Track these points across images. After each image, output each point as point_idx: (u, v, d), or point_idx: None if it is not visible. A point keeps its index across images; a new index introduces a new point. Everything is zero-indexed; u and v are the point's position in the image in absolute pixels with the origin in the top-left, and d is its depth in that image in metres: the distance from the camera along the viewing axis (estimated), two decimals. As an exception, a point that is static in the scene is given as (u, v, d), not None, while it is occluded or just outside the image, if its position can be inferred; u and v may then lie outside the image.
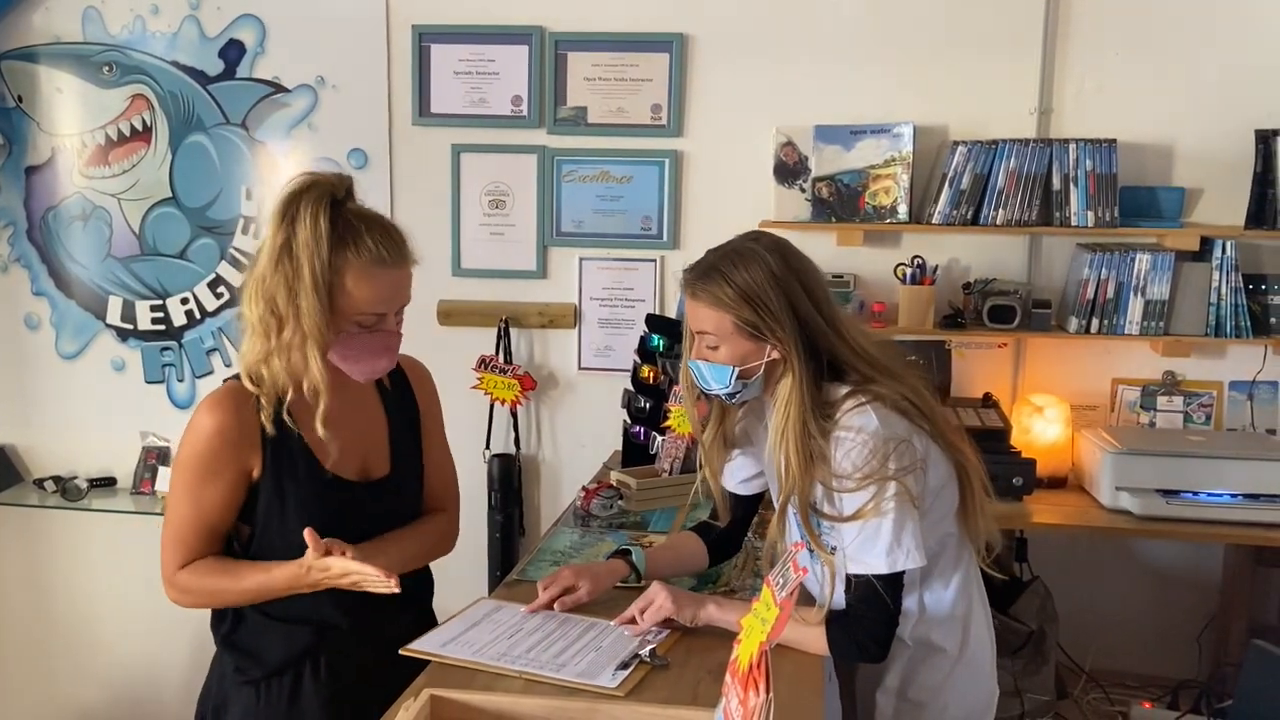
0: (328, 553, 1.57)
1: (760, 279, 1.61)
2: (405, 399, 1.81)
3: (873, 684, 1.80)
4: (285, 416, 1.60)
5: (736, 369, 1.64)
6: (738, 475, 1.90)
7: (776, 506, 1.72)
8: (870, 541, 1.60)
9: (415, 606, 1.80)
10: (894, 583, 1.62)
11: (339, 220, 1.57)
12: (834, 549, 1.64)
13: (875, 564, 1.60)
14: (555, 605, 1.76)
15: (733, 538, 1.98)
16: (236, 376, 1.65)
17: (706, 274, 1.65)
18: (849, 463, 1.59)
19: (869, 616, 1.63)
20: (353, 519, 1.67)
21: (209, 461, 1.61)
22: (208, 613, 1.74)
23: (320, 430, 1.59)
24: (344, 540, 1.61)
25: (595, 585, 1.78)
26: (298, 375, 1.58)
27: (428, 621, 1.79)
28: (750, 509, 1.97)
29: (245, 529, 1.67)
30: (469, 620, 1.74)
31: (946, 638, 1.76)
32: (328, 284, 1.55)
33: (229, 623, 1.70)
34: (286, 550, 1.62)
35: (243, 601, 1.67)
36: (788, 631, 1.59)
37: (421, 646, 1.63)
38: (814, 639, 1.65)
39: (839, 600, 1.67)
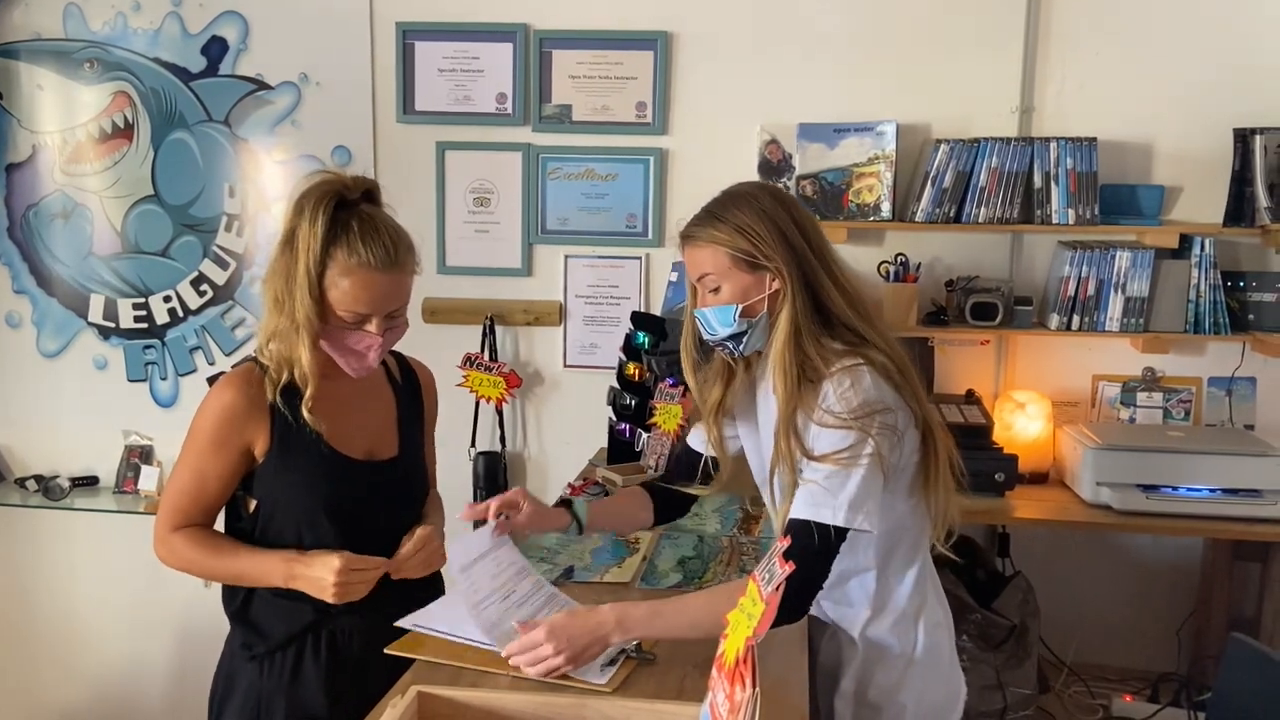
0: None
1: (751, 212, 1.63)
2: (414, 392, 1.90)
3: (830, 690, 1.76)
4: (278, 398, 1.68)
5: (739, 306, 1.65)
6: (704, 435, 1.86)
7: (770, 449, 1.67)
8: (835, 491, 1.54)
9: (420, 593, 1.82)
10: (839, 540, 1.54)
11: (340, 219, 1.62)
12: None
13: (834, 515, 1.53)
14: (497, 527, 1.71)
15: (685, 500, 1.96)
16: (253, 356, 1.74)
17: (699, 219, 1.68)
18: (842, 404, 1.57)
19: (799, 568, 1.42)
20: (357, 497, 1.74)
21: (213, 437, 1.69)
22: (191, 609, 1.75)
23: (306, 414, 1.67)
24: (351, 517, 1.71)
25: (534, 514, 1.76)
26: (291, 358, 1.66)
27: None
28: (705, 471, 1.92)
29: (252, 502, 1.73)
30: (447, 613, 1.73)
31: (900, 637, 1.71)
32: (318, 277, 1.62)
33: (240, 599, 1.76)
34: (290, 525, 1.71)
35: (221, 579, 1.75)
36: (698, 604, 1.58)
37: (406, 623, 1.65)
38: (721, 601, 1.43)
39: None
